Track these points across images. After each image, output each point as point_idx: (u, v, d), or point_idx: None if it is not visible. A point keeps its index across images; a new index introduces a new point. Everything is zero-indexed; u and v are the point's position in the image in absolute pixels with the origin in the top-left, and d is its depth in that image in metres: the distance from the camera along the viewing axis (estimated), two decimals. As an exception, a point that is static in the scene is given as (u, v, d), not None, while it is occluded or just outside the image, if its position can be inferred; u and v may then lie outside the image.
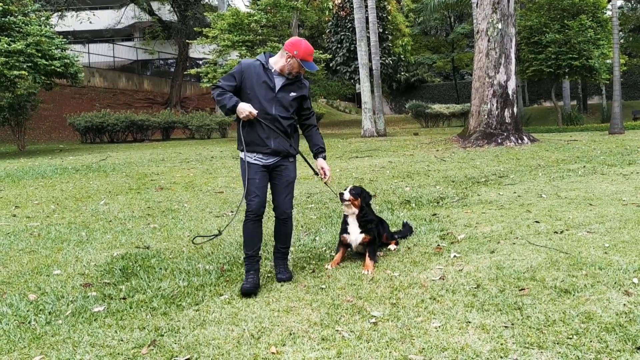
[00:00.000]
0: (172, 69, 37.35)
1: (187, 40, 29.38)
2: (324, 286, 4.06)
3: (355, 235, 4.60)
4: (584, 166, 9.87)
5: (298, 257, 4.85)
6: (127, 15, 36.06)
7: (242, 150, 4.20)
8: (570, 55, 23.62)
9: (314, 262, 4.71)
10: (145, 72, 39.36)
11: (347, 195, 4.54)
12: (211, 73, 20.16)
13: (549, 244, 4.74)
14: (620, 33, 36.45)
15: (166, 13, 34.97)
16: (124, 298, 3.98)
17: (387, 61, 31.80)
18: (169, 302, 3.84)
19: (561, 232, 5.16)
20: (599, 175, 8.70)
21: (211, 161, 12.67)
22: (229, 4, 28.22)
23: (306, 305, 3.71)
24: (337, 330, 3.20)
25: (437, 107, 33.39)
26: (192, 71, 22.86)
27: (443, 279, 4.02)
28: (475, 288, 3.80)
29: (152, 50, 37.39)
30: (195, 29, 25.01)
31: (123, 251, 5.22)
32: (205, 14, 26.21)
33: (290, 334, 3.22)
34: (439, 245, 4.94)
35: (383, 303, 3.65)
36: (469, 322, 3.26)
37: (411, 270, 4.28)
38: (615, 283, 3.69)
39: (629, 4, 36.53)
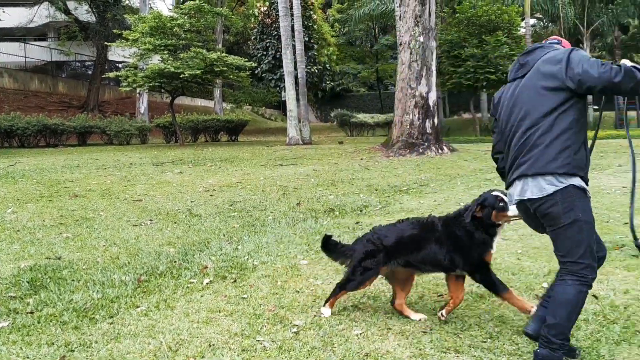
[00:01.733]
0: (90, 72, 35.81)
1: (106, 43, 28.30)
2: (245, 296, 3.99)
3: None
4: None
5: (219, 267, 4.74)
6: (40, 14, 34.19)
7: (582, 177, 2.78)
8: (488, 70, 24.71)
9: (235, 271, 4.62)
10: (60, 74, 37.47)
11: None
12: (131, 77, 19.49)
13: (466, 250, 4.90)
14: (533, 50, 38.60)
15: (83, 13, 33.47)
16: (32, 312, 3.74)
17: (312, 70, 32.06)
18: (81, 316, 3.64)
19: (477, 238, 5.35)
20: (512, 184, 9.10)
21: (130, 168, 12.22)
22: (150, 7, 27.48)
23: (227, 315, 3.63)
24: (258, 341, 3.15)
25: (362, 117, 33.98)
26: (111, 75, 22.05)
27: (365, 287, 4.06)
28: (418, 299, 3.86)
29: (68, 51, 35.65)
30: (114, 31, 24.10)
31: (32, 262, 4.91)
32: (125, 15, 25.37)
33: (210, 346, 3.13)
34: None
35: (305, 312, 3.63)
36: (390, 329, 3.30)
37: (334, 279, 4.27)
38: (527, 287, 3.86)
39: (541, 23, 38.80)
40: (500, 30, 25.18)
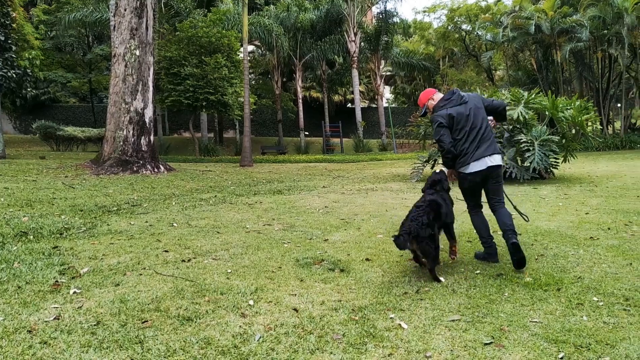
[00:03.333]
0: None
1: None
2: None
3: None
4: (215, 196, 10.47)
5: None
6: None
7: None
8: (207, 90, 25.20)
9: None
10: None
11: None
12: None
13: (176, 272, 4.76)
14: (252, 75, 40.84)
15: None
16: None
17: (9, 74, 28.16)
18: None
19: (188, 260, 5.25)
20: (228, 205, 9.33)
21: None
22: None
23: None
24: None
25: (71, 130, 31.29)
26: None
27: (58, 319, 3.57)
28: (94, 325, 3.48)
29: None
30: None
31: None
32: None
33: None
34: (57, 281, 4.41)
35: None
36: (84, 365, 2.94)
37: (20, 313, 3.68)
38: (234, 306, 3.88)
39: (260, 50, 41.29)
40: (220, 53, 26.03)
